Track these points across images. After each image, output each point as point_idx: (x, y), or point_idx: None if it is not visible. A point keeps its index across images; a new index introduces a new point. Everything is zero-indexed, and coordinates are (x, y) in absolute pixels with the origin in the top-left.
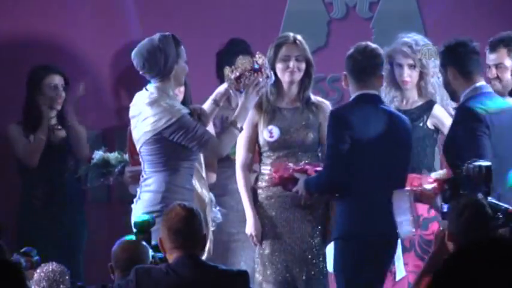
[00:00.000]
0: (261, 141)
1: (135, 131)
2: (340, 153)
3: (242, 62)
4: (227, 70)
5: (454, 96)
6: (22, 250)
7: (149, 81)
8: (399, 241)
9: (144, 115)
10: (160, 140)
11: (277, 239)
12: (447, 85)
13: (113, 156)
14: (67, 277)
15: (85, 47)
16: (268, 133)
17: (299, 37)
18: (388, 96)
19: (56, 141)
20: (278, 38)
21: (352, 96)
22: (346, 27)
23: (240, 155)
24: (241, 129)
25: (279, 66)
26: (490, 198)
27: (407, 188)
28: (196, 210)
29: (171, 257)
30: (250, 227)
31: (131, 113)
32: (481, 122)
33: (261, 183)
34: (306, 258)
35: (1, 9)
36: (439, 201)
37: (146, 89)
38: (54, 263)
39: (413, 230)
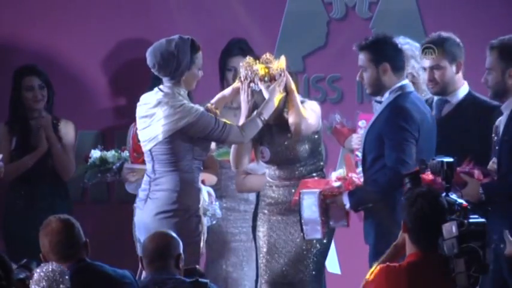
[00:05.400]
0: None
1: (146, 131)
2: None
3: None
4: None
5: (380, 93)
6: (21, 263)
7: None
8: None
9: (160, 115)
10: (176, 139)
11: (274, 242)
12: (377, 81)
13: (110, 154)
14: (67, 277)
15: (84, 47)
16: (261, 153)
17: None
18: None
19: (36, 142)
20: None
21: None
22: (345, 28)
23: None
24: (264, 121)
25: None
26: (450, 194)
27: (317, 190)
28: (71, 219)
29: None
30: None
31: (140, 112)
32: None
33: (266, 192)
34: (302, 260)
35: None
36: (344, 198)
37: (160, 89)
38: (53, 263)
39: (321, 235)
